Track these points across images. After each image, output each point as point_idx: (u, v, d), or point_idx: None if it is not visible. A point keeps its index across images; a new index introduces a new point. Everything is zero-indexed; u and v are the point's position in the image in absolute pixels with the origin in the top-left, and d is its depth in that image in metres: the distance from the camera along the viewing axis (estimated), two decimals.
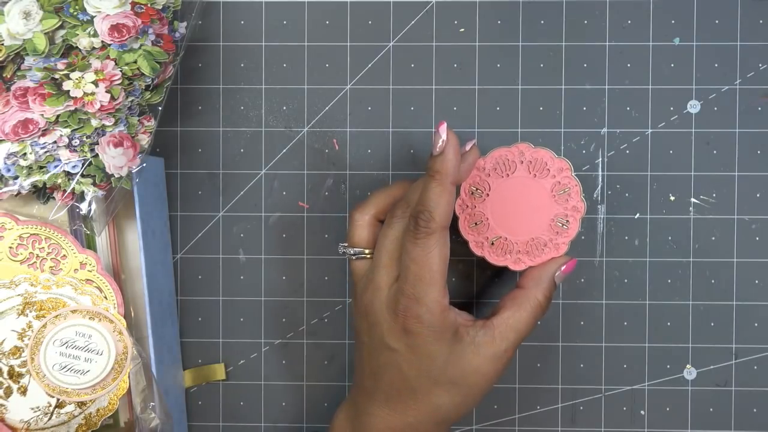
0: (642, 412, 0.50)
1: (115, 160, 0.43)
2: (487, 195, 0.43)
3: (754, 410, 0.50)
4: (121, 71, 0.43)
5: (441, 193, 0.40)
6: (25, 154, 0.43)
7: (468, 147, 0.42)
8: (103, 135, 0.43)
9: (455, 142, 0.40)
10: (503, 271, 0.50)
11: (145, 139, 0.45)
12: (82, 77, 0.43)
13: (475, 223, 0.44)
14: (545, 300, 0.43)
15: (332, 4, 0.50)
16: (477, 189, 0.44)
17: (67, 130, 0.43)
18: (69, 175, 0.43)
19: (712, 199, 0.50)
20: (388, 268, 0.42)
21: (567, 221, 0.43)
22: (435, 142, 0.40)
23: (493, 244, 0.44)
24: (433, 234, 0.40)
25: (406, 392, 0.41)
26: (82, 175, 0.43)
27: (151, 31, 0.44)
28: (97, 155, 0.43)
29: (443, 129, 0.40)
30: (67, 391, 0.43)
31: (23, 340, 0.43)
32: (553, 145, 0.50)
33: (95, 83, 0.43)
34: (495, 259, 0.44)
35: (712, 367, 0.50)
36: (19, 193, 0.44)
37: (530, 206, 0.43)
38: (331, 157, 0.51)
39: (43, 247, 0.44)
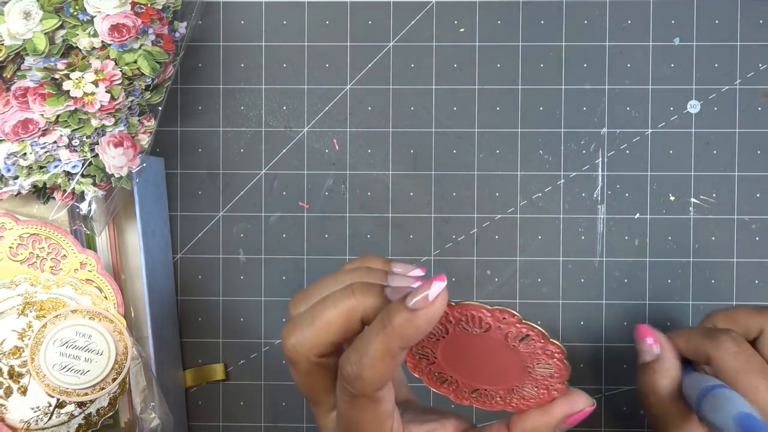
0: (642, 412, 0.50)
1: (115, 160, 0.43)
2: (435, 358, 0.33)
3: None
4: (121, 71, 0.43)
5: (383, 356, 0.29)
6: (25, 154, 0.43)
7: (432, 296, 0.28)
8: (103, 135, 0.43)
9: (437, 312, 0.28)
10: None
11: (145, 139, 0.45)
12: (82, 77, 0.43)
13: (443, 381, 0.34)
14: None
15: (332, 4, 0.50)
16: (421, 354, 0.33)
17: (67, 130, 0.43)
18: (69, 175, 0.43)
19: (712, 199, 0.50)
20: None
21: (549, 364, 0.31)
22: (414, 293, 0.28)
23: (474, 396, 0.34)
24: (359, 397, 0.30)
25: None
26: (82, 175, 0.43)
27: (151, 31, 0.44)
28: (97, 155, 0.43)
29: (437, 287, 0.28)
30: (68, 391, 0.43)
31: (23, 340, 0.43)
32: (553, 145, 0.50)
33: (95, 83, 0.43)
34: (489, 406, 0.34)
35: None
36: (19, 193, 0.44)
37: (492, 358, 0.32)
38: (331, 157, 0.51)
39: (43, 247, 0.44)
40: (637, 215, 0.50)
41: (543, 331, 0.30)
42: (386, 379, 0.30)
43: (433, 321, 0.28)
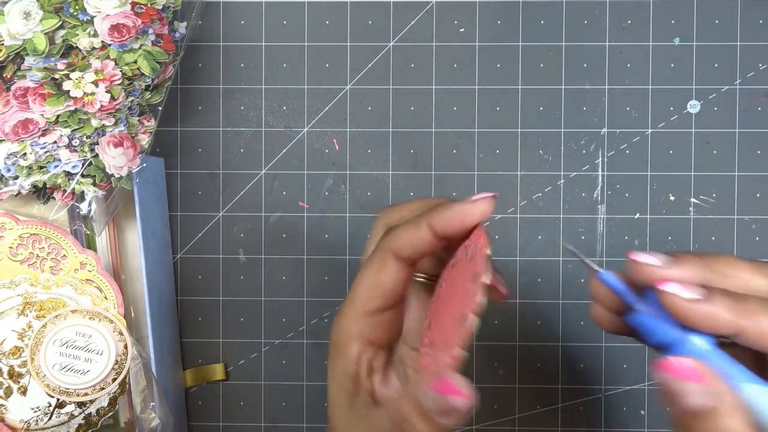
0: (642, 412, 0.50)
1: (115, 160, 0.44)
2: (437, 298, 0.34)
3: None
4: (121, 71, 0.43)
5: (412, 229, 0.33)
6: (25, 154, 0.43)
7: (475, 197, 0.32)
8: (103, 135, 0.43)
9: (473, 211, 0.32)
10: None
11: (145, 139, 0.45)
12: (82, 77, 0.43)
13: (428, 327, 0.34)
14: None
15: (332, 4, 0.50)
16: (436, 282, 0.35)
17: (67, 130, 0.43)
18: (69, 175, 0.43)
19: (712, 199, 0.50)
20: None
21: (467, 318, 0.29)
22: (468, 197, 0.32)
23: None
24: (376, 250, 0.34)
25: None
26: (82, 175, 0.43)
27: (151, 31, 0.44)
28: (97, 155, 0.43)
29: (483, 194, 0.32)
30: (68, 391, 0.43)
31: (23, 340, 0.43)
32: (553, 145, 0.50)
33: (95, 83, 0.43)
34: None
35: None
36: (19, 193, 0.44)
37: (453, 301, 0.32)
38: (331, 157, 0.51)
39: (43, 247, 0.44)
40: (637, 215, 0.50)
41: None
42: (405, 245, 0.33)
43: (465, 216, 0.31)
